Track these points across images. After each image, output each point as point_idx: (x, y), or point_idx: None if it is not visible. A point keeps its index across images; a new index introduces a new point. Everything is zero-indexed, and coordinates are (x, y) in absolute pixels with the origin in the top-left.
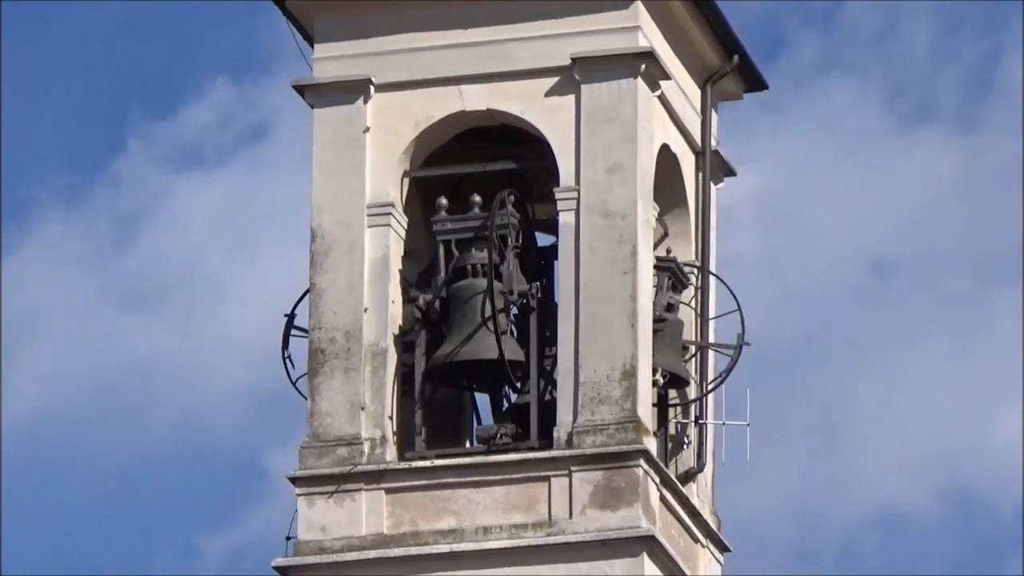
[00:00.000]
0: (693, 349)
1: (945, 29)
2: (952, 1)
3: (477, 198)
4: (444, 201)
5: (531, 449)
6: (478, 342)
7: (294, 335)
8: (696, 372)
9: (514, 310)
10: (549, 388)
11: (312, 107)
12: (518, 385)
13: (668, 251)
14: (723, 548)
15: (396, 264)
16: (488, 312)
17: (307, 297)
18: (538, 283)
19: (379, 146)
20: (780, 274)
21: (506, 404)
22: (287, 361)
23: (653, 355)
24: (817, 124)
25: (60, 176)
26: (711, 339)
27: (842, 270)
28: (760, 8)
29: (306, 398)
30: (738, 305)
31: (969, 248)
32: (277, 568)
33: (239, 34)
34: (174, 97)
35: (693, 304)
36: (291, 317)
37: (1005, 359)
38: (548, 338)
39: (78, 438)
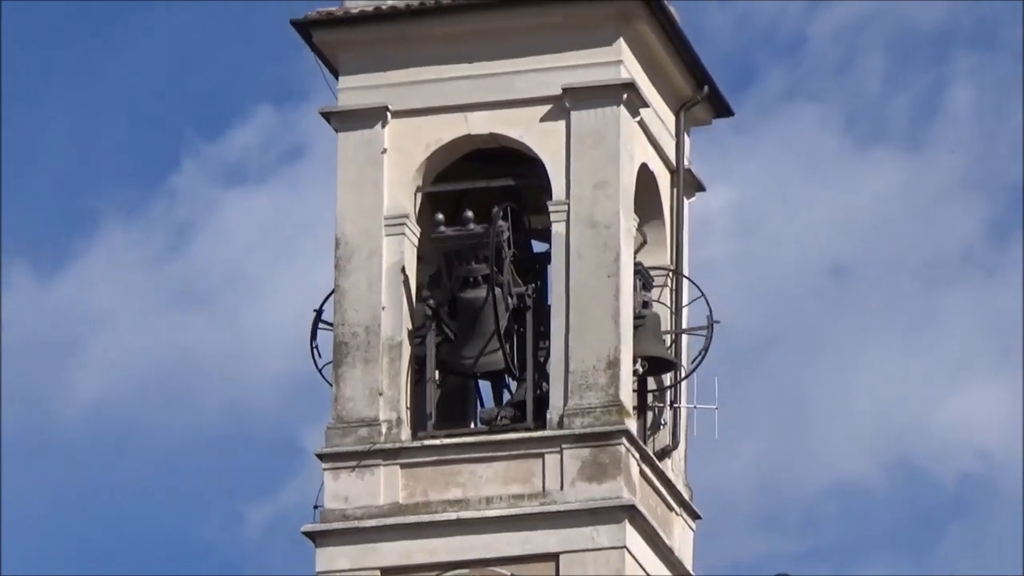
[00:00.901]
0: (671, 338)
1: (896, 62)
2: (903, 37)
3: (470, 213)
4: (441, 216)
5: (527, 430)
6: (489, 355)
7: (321, 329)
8: (674, 360)
9: (512, 302)
10: (543, 377)
11: (337, 131)
12: (516, 373)
13: (639, 258)
14: (695, 516)
15: (410, 268)
16: (493, 327)
17: (332, 297)
18: (533, 285)
19: (395, 165)
20: (749, 276)
21: (505, 391)
22: (315, 352)
23: (638, 345)
24: (783, 145)
25: (122, 191)
26: (685, 325)
27: (804, 272)
28: (733, 43)
29: (331, 385)
30: (702, 293)
31: (915, 253)
32: (306, 533)
33: (279, 66)
34: (222, 122)
35: (667, 301)
36: (318, 314)
37: (946, 351)
38: (542, 333)
39: (139, 419)
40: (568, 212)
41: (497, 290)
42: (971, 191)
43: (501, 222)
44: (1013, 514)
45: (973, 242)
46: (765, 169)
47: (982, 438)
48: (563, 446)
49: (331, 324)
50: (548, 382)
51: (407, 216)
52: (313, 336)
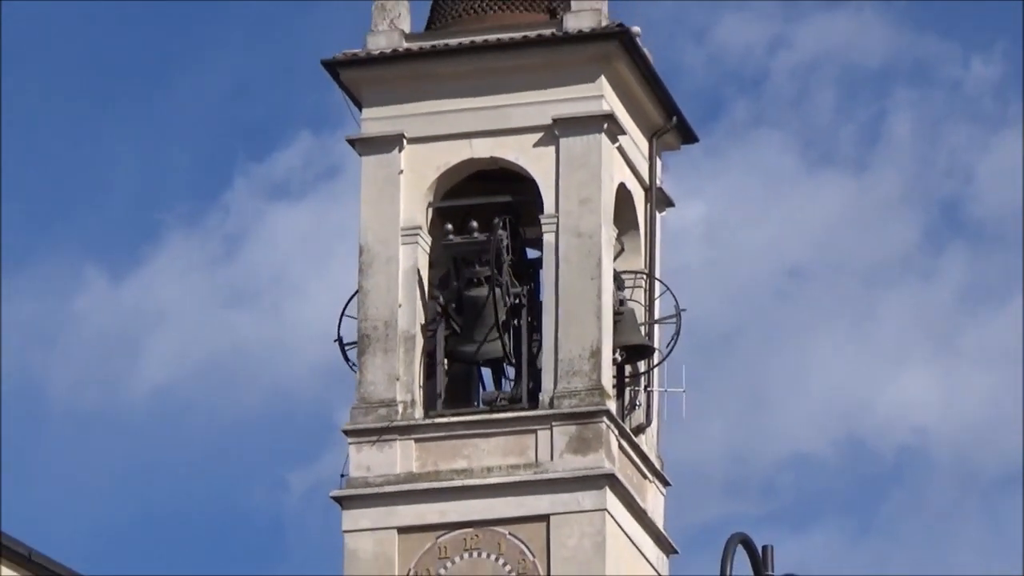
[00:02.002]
0: (644, 334)
1: (844, 96)
2: (850, 75)
3: (474, 224)
4: (450, 227)
5: (522, 409)
6: (490, 344)
7: (346, 320)
8: (647, 351)
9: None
10: (535, 364)
11: (360, 155)
12: (513, 361)
13: (618, 263)
14: (665, 483)
15: (423, 272)
16: (493, 320)
17: (356, 296)
18: (528, 286)
19: (410, 184)
20: (717, 278)
21: (505, 377)
22: (341, 343)
23: (617, 337)
24: (747, 167)
25: (183, 205)
26: (657, 323)
27: (764, 275)
28: (705, 78)
29: (355, 371)
30: (668, 288)
31: (860, 259)
32: (334, 497)
33: (317, 98)
34: (269, 146)
35: (642, 300)
36: (343, 311)
37: (886, 342)
38: (535, 327)
39: (196, 400)
40: (557, 224)
41: (497, 290)
42: (908, 206)
43: (500, 232)
44: (944, 481)
45: (910, 249)
46: (731, 187)
47: (917, 416)
48: (553, 423)
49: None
50: (540, 369)
51: (420, 227)
52: (339, 331)
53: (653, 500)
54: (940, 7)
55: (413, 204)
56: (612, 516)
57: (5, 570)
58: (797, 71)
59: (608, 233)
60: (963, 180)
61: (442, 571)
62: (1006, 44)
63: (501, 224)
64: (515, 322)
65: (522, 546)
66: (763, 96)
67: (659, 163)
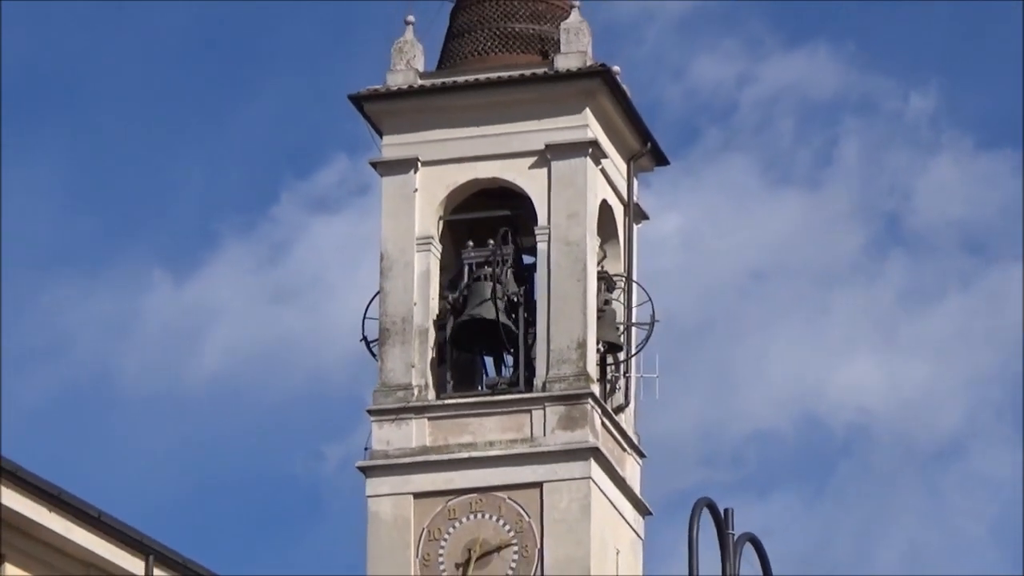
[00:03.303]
0: (623, 328)
1: (801, 124)
2: (806, 106)
3: (491, 241)
4: (471, 243)
5: (519, 392)
6: (484, 308)
7: (368, 319)
8: (625, 343)
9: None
10: (531, 354)
11: (381, 176)
12: (511, 350)
13: (602, 267)
14: (641, 455)
15: (435, 275)
16: (490, 294)
17: (378, 296)
18: (524, 287)
19: (423, 201)
20: (691, 279)
21: (504, 365)
22: (365, 336)
23: (600, 331)
24: (717, 185)
25: (236, 216)
26: (633, 320)
27: (731, 277)
28: (682, 109)
29: (377, 359)
30: (649, 297)
31: (814, 264)
32: (359, 467)
33: (352, 125)
34: (311, 165)
35: (622, 299)
36: (367, 308)
37: (836, 335)
38: (530, 322)
39: (247, 384)
40: (549, 234)
41: (498, 286)
42: (855, 219)
43: (499, 241)
44: (886, 453)
45: (856, 256)
46: (704, 202)
47: (863, 398)
48: (545, 404)
49: (376, 319)
50: (534, 358)
51: (432, 238)
52: (363, 325)
53: (631, 470)
54: (883, 49)
55: (426, 218)
56: (596, 483)
57: (77, 530)
58: (760, 103)
59: (592, 242)
60: (903, 197)
61: (451, 530)
62: (939, 81)
63: (501, 235)
64: (513, 318)
65: (519, 509)
66: (731, 125)
67: (635, 182)
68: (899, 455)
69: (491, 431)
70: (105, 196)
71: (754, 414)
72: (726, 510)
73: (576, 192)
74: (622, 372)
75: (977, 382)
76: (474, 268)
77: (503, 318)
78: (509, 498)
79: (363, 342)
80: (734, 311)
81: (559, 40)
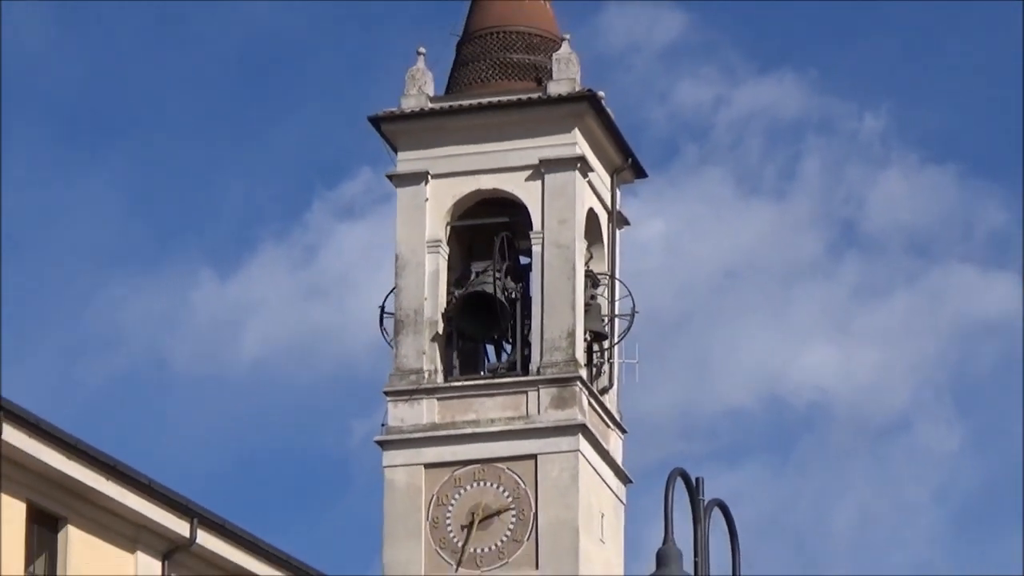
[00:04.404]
0: (607, 319)
1: (769, 142)
2: (773, 125)
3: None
4: (474, 246)
5: (517, 376)
6: (485, 286)
7: (386, 311)
8: (609, 333)
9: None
10: (527, 343)
11: (396, 188)
12: (510, 339)
13: (588, 267)
14: (623, 431)
15: (443, 274)
16: (491, 279)
17: (393, 292)
18: (521, 284)
19: (433, 209)
20: (672, 277)
21: (504, 353)
22: (383, 327)
23: (587, 323)
24: (696, 195)
25: (273, 222)
26: (616, 312)
27: (706, 275)
28: (665, 128)
29: (392, 347)
30: (629, 292)
31: (780, 264)
32: (377, 441)
33: (373, 142)
34: (338, 177)
35: (606, 295)
36: (384, 302)
37: (799, 326)
38: (526, 315)
39: (283, 370)
40: (543, 238)
41: (498, 282)
42: (815, 225)
43: (497, 247)
44: (842, 429)
45: (816, 257)
46: (683, 210)
47: (821, 380)
48: (539, 386)
49: (391, 313)
50: (530, 345)
51: (441, 241)
52: (381, 317)
53: (614, 444)
54: (841, 77)
55: (435, 224)
56: (583, 455)
57: (131, 495)
58: (734, 124)
59: (580, 245)
60: (857, 205)
61: (457, 496)
62: (889, 104)
63: (501, 239)
64: (511, 312)
65: (517, 478)
66: (708, 142)
67: (618, 193)
68: (853, 430)
69: (492, 410)
70: (159, 205)
71: (725, 394)
72: (697, 479)
73: (566, 201)
74: (606, 358)
75: (921, 367)
76: (478, 273)
77: (500, 296)
78: (508, 468)
79: (380, 329)
80: (709, 305)
81: (551, 68)
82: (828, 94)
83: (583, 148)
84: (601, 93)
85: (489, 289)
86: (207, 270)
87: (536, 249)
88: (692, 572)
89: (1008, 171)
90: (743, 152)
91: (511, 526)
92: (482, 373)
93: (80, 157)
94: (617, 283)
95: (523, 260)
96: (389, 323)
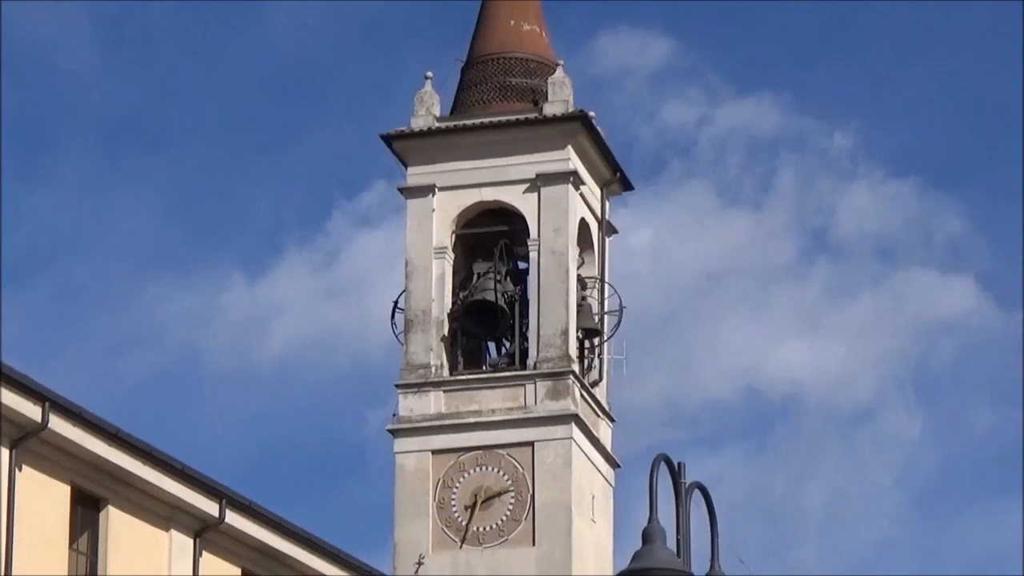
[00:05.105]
0: (597, 318)
1: (748, 157)
2: (752, 142)
3: (480, 260)
4: (477, 252)
5: (516, 370)
6: (486, 293)
7: (397, 311)
8: (600, 330)
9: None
10: (525, 340)
11: (406, 199)
12: (509, 337)
13: (580, 271)
14: (612, 420)
15: (448, 277)
16: (492, 284)
17: (403, 294)
18: (519, 286)
19: (439, 218)
20: (658, 280)
21: (504, 349)
22: (394, 326)
23: (579, 321)
24: (680, 206)
25: (297, 230)
26: (605, 310)
27: (689, 277)
28: (653, 144)
29: (403, 344)
30: (616, 293)
31: (757, 266)
32: (388, 430)
33: (387, 159)
34: (356, 189)
35: (596, 296)
36: (396, 303)
37: (775, 323)
38: (524, 315)
39: (305, 364)
40: (539, 245)
41: (499, 285)
42: (790, 232)
43: (497, 253)
44: (813, 417)
45: (790, 261)
46: (670, 219)
47: (795, 373)
48: (536, 379)
49: (403, 310)
50: (528, 342)
51: (446, 248)
52: (392, 316)
53: (604, 432)
54: (814, 99)
55: (442, 232)
56: (576, 442)
57: (166, 479)
58: (715, 140)
59: (573, 251)
60: (827, 215)
61: (461, 479)
62: (857, 124)
63: (502, 246)
64: (511, 311)
65: (515, 462)
66: (692, 157)
67: (607, 204)
68: (823, 419)
69: (493, 401)
70: (194, 214)
71: (706, 386)
72: (679, 463)
73: (560, 212)
74: (597, 354)
75: (885, 361)
76: (481, 275)
77: (500, 300)
78: (507, 454)
79: (392, 326)
80: (692, 305)
81: (547, 91)
82: (801, 114)
83: (576, 163)
84: (592, 113)
85: (490, 296)
86: (237, 273)
87: (533, 255)
88: (675, 548)
89: (964, 183)
90: (724, 166)
91: (510, 506)
92: (484, 368)
93: (124, 171)
94: (606, 285)
95: (521, 265)
96: (400, 322)
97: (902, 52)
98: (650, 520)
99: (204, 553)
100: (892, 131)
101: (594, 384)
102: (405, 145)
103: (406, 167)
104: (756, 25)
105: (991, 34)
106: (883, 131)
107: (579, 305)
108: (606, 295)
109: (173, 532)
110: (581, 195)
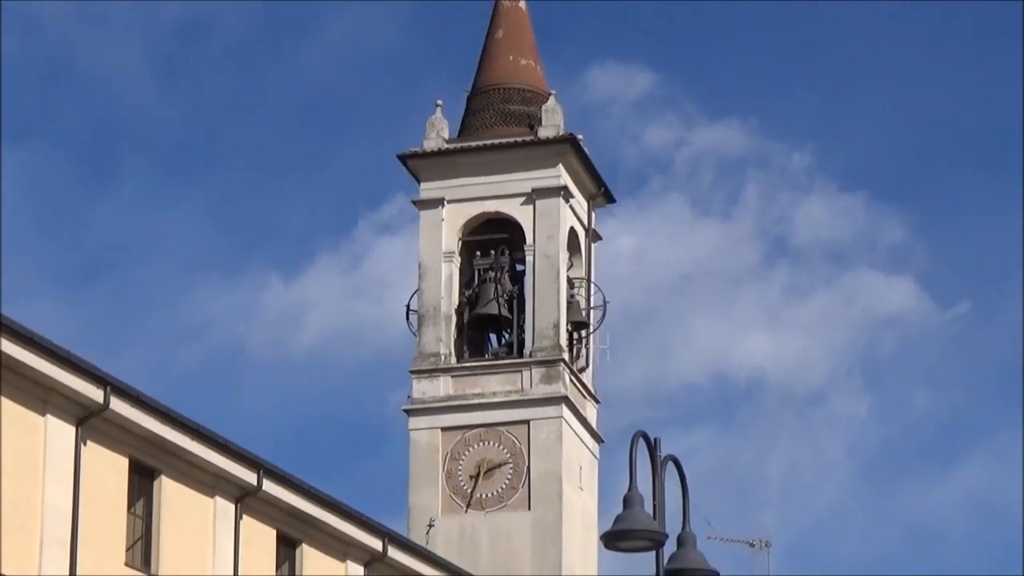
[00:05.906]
0: (584, 313)
1: (719, 173)
2: (722, 160)
3: (493, 251)
4: (479, 254)
5: (514, 358)
6: (489, 307)
7: (411, 309)
8: (587, 323)
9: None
10: (521, 332)
11: (420, 211)
12: (508, 329)
13: (570, 272)
14: (597, 401)
15: (455, 278)
16: (493, 294)
17: (417, 292)
18: (517, 286)
19: (448, 227)
20: (639, 280)
21: (503, 340)
22: (408, 320)
23: (568, 316)
24: (660, 216)
25: (327, 236)
26: (592, 306)
27: (667, 280)
28: (636, 162)
29: (416, 336)
30: (601, 291)
31: (726, 270)
32: (404, 410)
33: (403, 175)
34: (379, 201)
35: (583, 294)
36: (408, 305)
37: (744, 318)
38: (521, 310)
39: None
40: (534, 250)
41: (498, 287)
42: (754, 239)
43: (502, 256)
44: (774, 400)
45: (754, 265)
46: (650, 228)
47: (758, 361)
48: (532, 366)
49: (415, 310)
50: (524, 335)
51: (454, 253)
52: (407, 312)
53: (590, 411)
54: (775, 123)
55: (450, 239)
56: (566, 421)
57: (211, 452)
58: (690, 159)
59: (563, 256)
60: (787, 225)
61: (466, 453)
62: (813, 145)
63: (501, 250)
64: (509, 308)
65: (513, 438)
66: (670, 174)
67: (593, 215)
68: (782, 400)
69: (494, 385)
70: (238, 223)
71: (681, 372)
72: (656, 439)
73: (552, 221)
74: (584, 344)
75: (836, 351)
76: (481, 272)
77: (503, 311)
78: (506, 431)
79: (406, 320)
80: (669, 302)
81: (541, 117)
82: (765, 137)
83: (566, 179)
84: (580, 136)
85: (493, 310)
86: (275, 274)
87: (529, 259)
88: (651, 512)
89: (906, 196)
90: (697, 182)
91: (509, 476)
92: (486, 356)
93: (177, 186)
94: (592, 285)
95: (519, 267)
96: (414, 317)
97: (852, 83)
98: (630, 488)
99: (244, 517)
100: (844, 151)
101: (582, 370)
102: (418, 164)
103: (419, 183)
104: (726, 61)
105: (930, 68)
106: (836, 151)
107: (569, 302)
108: (592, 293)
109: (217, 499)
110: (570, 207)
